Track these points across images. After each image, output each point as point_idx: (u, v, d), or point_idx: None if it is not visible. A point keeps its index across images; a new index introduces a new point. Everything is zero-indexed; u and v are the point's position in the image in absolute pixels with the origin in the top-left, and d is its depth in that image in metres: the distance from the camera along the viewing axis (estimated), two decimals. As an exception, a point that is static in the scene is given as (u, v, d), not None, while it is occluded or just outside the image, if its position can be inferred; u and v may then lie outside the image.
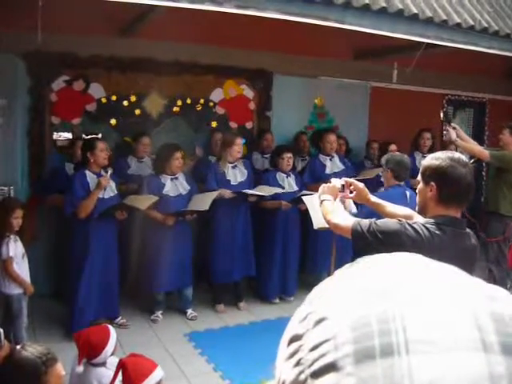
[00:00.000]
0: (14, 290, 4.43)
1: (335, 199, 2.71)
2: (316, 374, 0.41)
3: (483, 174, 9.14)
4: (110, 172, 5.12)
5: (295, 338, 0.45)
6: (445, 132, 5.86)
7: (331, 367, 0.40)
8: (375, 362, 0.39)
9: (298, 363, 0.43)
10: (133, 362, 2.74)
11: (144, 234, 5.61)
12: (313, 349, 0.42)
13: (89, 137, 5.61)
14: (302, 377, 0.42)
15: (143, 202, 5.27)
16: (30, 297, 4.59)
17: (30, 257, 5.54)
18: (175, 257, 5.53)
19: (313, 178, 6.27)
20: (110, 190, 5.23)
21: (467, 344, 0.39)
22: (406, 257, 0.49)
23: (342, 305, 0.43)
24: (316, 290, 0.47)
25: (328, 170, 6.31)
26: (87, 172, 5.14)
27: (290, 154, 6.09)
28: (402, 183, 4.56)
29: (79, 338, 3.02)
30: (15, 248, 4.43)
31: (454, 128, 5.90)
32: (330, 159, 6.48)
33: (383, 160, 4.67)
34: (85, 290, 5.12)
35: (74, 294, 5.13)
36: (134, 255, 5.64)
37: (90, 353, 3.02)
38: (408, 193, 4.44)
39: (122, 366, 2.69)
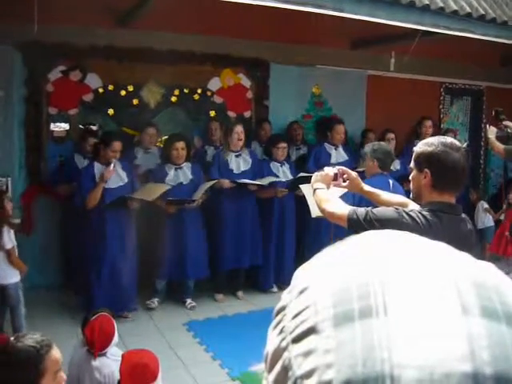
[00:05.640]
0: (11, 280, 4.41)
1: (328, 188, 2.71)
2: (296, 339, 0.42)
3: (481, 162, 9.15)
4: (113, 164, 5.14)
5: (280, 310, 0.46)
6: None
7: (311, 331, 0.41)
8: (354, 323, 0.40)
9: (281, 331, 0.44)
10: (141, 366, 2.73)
11: (155, 223, 5.63)
12: (295, 316, 0.43)
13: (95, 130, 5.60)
14: (284, 344, 0.43)
15: (153, 191, 5.32)
16: (29, 287, 4.60)
17: (28, 248, 5.57)
18: (190, 247, 5.61)
19: (317, 167, 6.27)
20: (119, 179, 5.30)
21: (446, 306, 0.40)
22: (394, 233, 0.49)
23: (324, 275, 0.44)
24: (304, 264, 0.48)
25: (333, 160, 6.34)
26: (96, 163, 5.27)
27: (284, 144, 6.17)
28: (386, 172, 4.57)
29: (91, 332, 3.03)
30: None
31: (506, 127, 5.77)
32: (335, 149, 6.53)
33: (368, 149, 4.65)
34: (106, 280, 5.24)
35: (95, 285, 5.23)
36: (149, 244, 5.62)
37: (104, 345, 3.04)
38: (391, 181, 4.46)
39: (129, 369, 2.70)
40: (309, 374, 0.40)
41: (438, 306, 0.40)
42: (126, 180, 5.35)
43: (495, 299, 0.41)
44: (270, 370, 0.45)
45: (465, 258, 0.46)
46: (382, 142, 5.01)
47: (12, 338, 2.19)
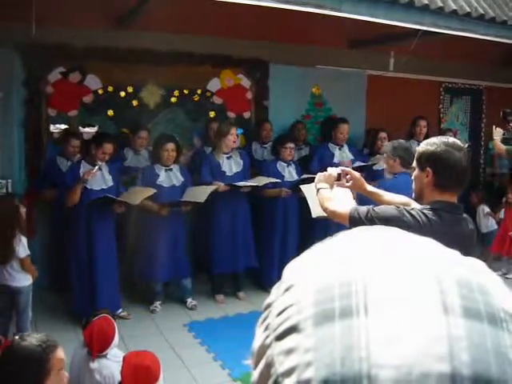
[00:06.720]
0: (24, 283, 4.41)
1: (332, 188, 2.71)
2: (279, 337, 0.42)
3: (481, 161, 9.15)
4: (97, 166, 5.11)
5: (267, 306, 0.47)
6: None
7: (293, 329, 0.42)
8: (334, 323, 0.40)
9: (266, 328, 0.45)
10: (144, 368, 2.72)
11: (139, 224, 5.62)
12: (279, 314, 0.44)
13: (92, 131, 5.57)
14: (268, 341, 0.44)
15: (139, 195, 5.29)
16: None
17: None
18: (170, 247, 5.55)
19: (321, 167, 6.26)
20: (103, 182, 5.25)
21: (427, 306, 0.40)
22: (383, 229, 0.49)
23: (308, 273, 0.45)
24: (292, 262, 0.49)
25: (336, 159, 6.33)
26: (83, 163, 5.22)
27: (292, 144, 6.19)
28: (409, 171, 4.56)
29: (90, 334, 3.02)
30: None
31: None
32: (340, 148, 6.51)
33: (388, 148, 4.63)
34: (87, 281, 5.19)
35: (77, 285, 5.23)
36: (130, 246, 5.64)
37: (102, 347, 3.04)
38: None
39: (132, 371, 2.69)
40: (289, 373, 0.40)
41: (419, 306, 0.40)
42: (111, 184, 5.28)
43: (479, 299, 0.41)
44: (255, 367, 0.46)
45: (453, 256, 0.46)
46: (400, 140, 4.92)
47: (17, 337, 2.19)
